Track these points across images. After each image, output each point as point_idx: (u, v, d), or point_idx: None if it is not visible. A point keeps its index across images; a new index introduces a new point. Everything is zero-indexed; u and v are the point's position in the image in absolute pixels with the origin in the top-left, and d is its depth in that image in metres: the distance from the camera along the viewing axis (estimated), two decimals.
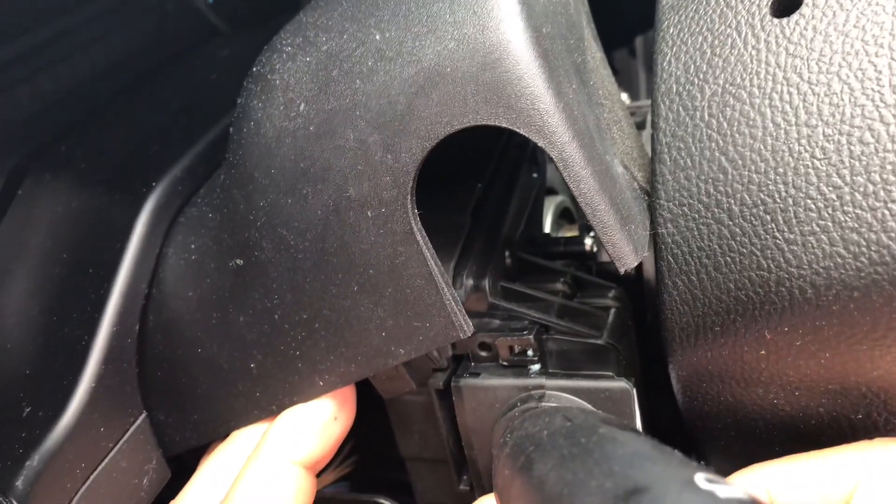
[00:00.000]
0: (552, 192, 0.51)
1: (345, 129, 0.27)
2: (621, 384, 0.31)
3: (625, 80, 0.74)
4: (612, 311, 0.35)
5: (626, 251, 0.26)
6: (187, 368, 0.33)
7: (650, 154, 0.30)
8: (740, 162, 0.27)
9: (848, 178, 0.25)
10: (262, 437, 0.31)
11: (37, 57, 0.41)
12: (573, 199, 0.38)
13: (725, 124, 0.28)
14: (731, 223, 0.28)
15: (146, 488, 0.32)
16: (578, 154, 0.25)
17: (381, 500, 0.41)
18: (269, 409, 0.32)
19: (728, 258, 0.28)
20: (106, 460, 0.30)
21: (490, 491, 0.36)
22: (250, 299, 0.30)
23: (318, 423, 0.31)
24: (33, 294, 0.34)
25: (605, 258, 0.41)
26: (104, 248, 0.33)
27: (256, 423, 0.33)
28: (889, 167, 0.24)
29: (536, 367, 0.33)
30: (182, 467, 0.35)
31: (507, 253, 0.38)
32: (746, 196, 0.27)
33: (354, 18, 0.27)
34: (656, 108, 0.30)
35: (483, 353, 0.34)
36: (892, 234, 0.24)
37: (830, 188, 0.26)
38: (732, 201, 0.28)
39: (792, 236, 0.26)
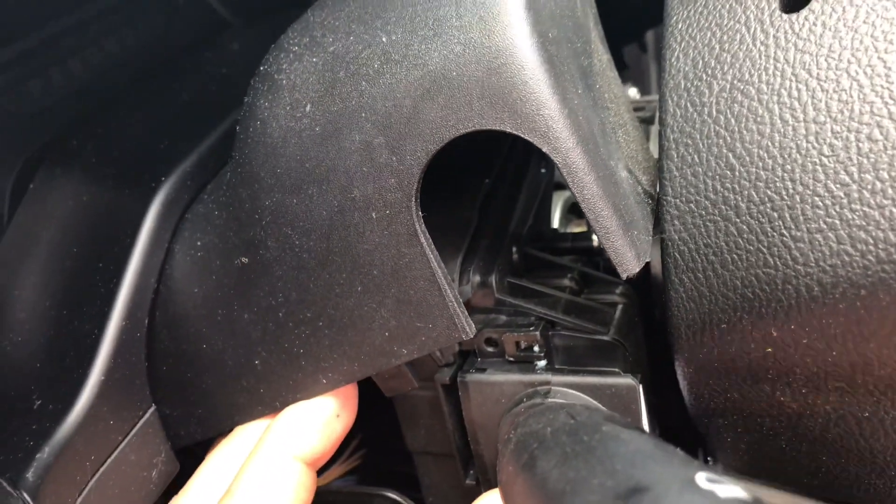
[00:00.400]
0: (560, 186, 0.50)
1: (350, 130, 0.27)
2: (627, 381, 0.31)
3: (635, 74, 0.73)
4: (619, 307, 0.34)
5: (628, 257, 0.26)
6: (193, 364, 0.33)
7: (657, 151, 0.30)
8: (748, 158, 0.27)
9: (856, 176, 0.25)
10: (265, 433, 0.31)
11: (48, 51, 0.41)
12: None
13: (733, 120, 0.28)
14: (738, 220, 0.28)
15: (155, 481, 0.33)
16: (582, 160, 0.25)
17: (389, 494, 0.42)
18: (272, 405, 0.32)
19: (735, 255, 0.28)
20: (115, 453, 0.31)
21: (496, 485, 0.36)
22: (255, 297, 0.31)
23: (320, 420, 0.31)
24: (44, 287, 0.34)
25: None
26: (114, 243, 0.33)
27: (260, 418, 0.33)
28: None
29: (542, 363, 0.33)
30: (196, 460, 0.36)
31: (514, 248, 0.38)
32: (754, 193, 0.27)
33: (361, 20, 0.27)
34: (664, 104, 0.30)
35: (489, 349, 0.34)
36: None
37: (838, 185, 0.25)
38: (740, 198, 0.27)
39: (799, 234, 0.26)
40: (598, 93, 0.30)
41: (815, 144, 0.26)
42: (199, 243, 0.33)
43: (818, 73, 0.26)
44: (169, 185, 0.34)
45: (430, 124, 0.26)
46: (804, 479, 0.33)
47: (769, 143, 0.27)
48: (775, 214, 0.27)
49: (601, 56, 0.33)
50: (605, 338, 0.32)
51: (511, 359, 0.34)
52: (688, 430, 0.35)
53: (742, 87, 0.28)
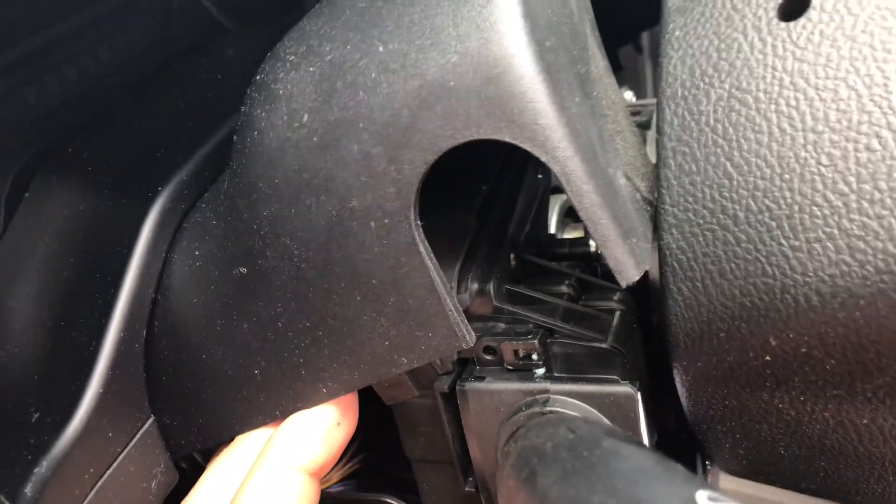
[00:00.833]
0: (557, 190, 0.50)
1: (348, 140, 0.27)
2: (626, 389, 0.31)
3: (630, 77, 0.73)
4: (617, 314, 0.34)
5: (628, 265, 0.26)
6: (192, 374, 0.33)
7: (654, 159, 0.30)
8: (746, 167, 0.27)
9: (854, 186, 0.25)
10: (267, 444, 0.31)
11: (43, 58, 0.41)
12: None
13: (731, 129, 0.28)
14: (736, 229, 0.28)
15: (154, 492, 0.32)
16: (581, 169, 0.25)
17: (388, 500, 0.42)
18: (273, 414, 0.32)
19: (733, 264, 0.28)
20: (114, 465, 0.31)
21: (495, 493, 0.36)
22: (254, 307, 0.31)
23: (321, 429, 0.31)
24: (41, 298, 0.34)
25: None
26: (111, 253, 0.33)
27: (261, 428, 0.33)
28: None
29: (541, 370, 0.33)
30: (198, 469, 0.36)
31: (512, 255, 0.38)
32: (752, 202, 0.27)
33: (358, 28, 0.27)
34: (661, 113, 0.30)
35: (488, 357, 0.34)
36: None
37: (836, 195, 0.25)
38: (738, 207, 0.27)
39: (797, 243, 0.26)
40: (596, 100, 0.30)
41: (814, 154, 0.26)
42: (197, 253, 0.33)
43: (816, 83, 0.26)
44: (166, 193, 0.34)
45: (429, 134, 0.26)
46: (801, 484, 0.33)
47: (767, 153, 0.27)
48: (773, 224, 0.27)
49: (598, 62, 0.32)
50: (604, 345, 0.32)
51: (510, 367, 0.34)
52: (686, 435, 0.35)
53: (740, 96, 0.28)
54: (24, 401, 0.31)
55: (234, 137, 0.31)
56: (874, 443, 0.29)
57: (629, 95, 0.50)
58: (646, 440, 0.32)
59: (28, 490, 0.27)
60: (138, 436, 0.32)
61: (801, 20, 0.27)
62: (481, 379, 0.34)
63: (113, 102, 0.42)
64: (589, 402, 0.32)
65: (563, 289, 0.37)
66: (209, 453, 0.35)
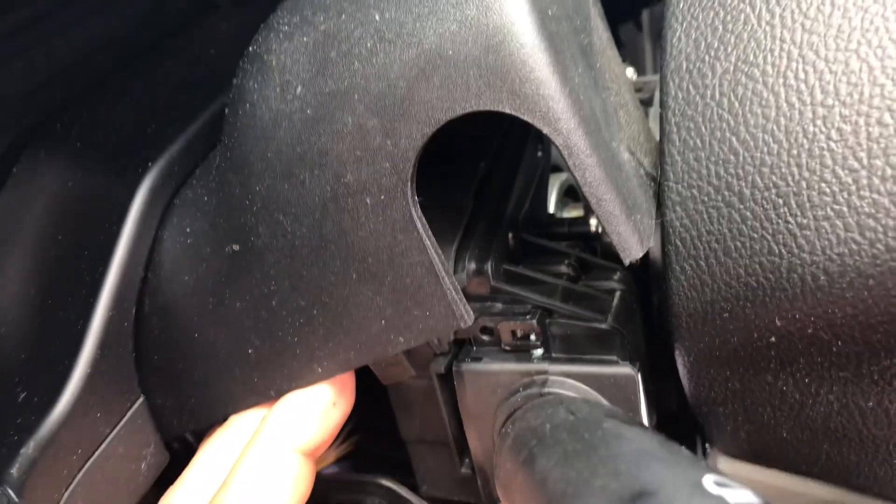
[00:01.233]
0: (557, 169, 0.50)
1: (343, 112, 0.26)
2: (626, 369, 0.31)
3: (630, 53, 0.72)
4: (617, 294, 0.34)
5: (632, 242, 0.26)
6: (184, 353, 0.32)
7: (658, 135, 0.29)
8: (752, 143, 0.26)
9: (865, 162, 0.24)
10: (261, 423, 0.31)
11: (32, 32, 0.40)
12: None
13: (737, 104, 0.27)
14: (741, 206, 0.27)
15: (144, 473, 0.32)
16: (584, 142, 0.24)
17: (383, 481, 0.41)
18: (267, 394, 0.31)
19: (738, 243, 0.27)
20: (103, 446, 0.30)
21: (491, 474, 0.35)
22: (247, 285, 0.30)
23: (317, 410, 0.30)
24: (28, 276, 0.33)
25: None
26: (100, 230, 0.32)
27: (254, 407, 0.32)
28: None
29: (539, 351, 0.33)
30: (189, 450, 0.35)
31: (510, 234, 0.37)
32: (758, 178, 0.26)
33: None
34: (665, 87, 0.29)
35: (485, 338, 0.34)
36: None
37: (846, 171, 0.25)
38: (743, 184, 0.27)
39: (805, 221, 0.25)
40: (599, 72, 0.29)
41: (823, 129, 0.25)
42: (188, 230, 0.32)
43: (826, 55, 0.25)
44: (156, 169, 0.33)
45: (426, 106, 0.25)
46: (803, 467, 0.32)
47: (774, 127, 0.26)
48: (780, 201, 0.26)
49: (601, 34, 0.32)
50: (603, 326, 0.32)
51: (507, 347, 0.33)
52: (686, 417, 0.34)
53: (746, 69, 0.27)
54: (10, 380, 0.30)
55: (226, 111, 0.30)
56: (879, 426, 0.28)
57: (630, 72, 0.49)
58: (646, 422, 0.32)
59: (14, 471, 0.27)
60: (128, 416, 0.31)
61: None
62: (478, 360, 0.33)
63: (103, 77, 0.42)
64: (588, 384, 0.31)
65: (563, 269, 0.36)
66: (201, 434, 0.34)
